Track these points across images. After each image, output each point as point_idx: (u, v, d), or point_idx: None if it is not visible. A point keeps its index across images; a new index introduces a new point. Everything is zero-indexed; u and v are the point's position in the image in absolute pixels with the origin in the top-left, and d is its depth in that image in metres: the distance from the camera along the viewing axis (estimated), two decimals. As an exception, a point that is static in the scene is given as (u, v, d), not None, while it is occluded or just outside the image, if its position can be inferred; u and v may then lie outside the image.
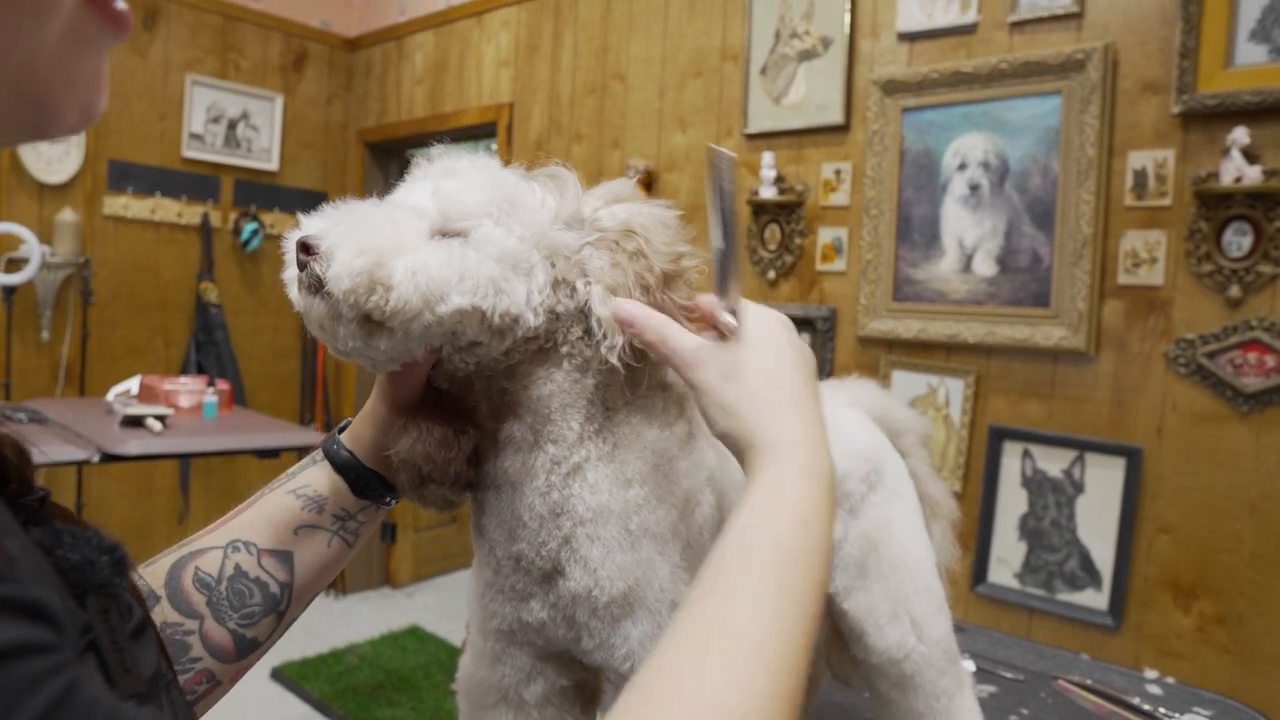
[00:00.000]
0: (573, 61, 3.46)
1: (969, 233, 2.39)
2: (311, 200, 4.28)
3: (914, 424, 1.00)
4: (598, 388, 0.67)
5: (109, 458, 2.41)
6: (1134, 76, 2.12)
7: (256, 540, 0.66)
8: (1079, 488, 2.23)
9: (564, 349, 0.66)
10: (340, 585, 4.41)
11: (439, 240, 0.62)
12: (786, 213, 2.77)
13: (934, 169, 2.44)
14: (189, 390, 3.09)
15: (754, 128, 2.84)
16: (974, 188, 2.38)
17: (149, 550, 0.66)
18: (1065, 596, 2.25)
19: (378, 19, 4.43)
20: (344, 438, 0.70)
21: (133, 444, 2.47)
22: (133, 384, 3.20)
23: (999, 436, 2.36)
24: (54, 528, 0.37)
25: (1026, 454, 2.32)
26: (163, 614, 0.61)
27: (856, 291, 2.61)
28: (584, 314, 0.65)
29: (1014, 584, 2.34)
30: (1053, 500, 2.28)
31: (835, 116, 2.64)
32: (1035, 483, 2.30)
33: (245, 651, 0.65)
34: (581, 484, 0.66)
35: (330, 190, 4.52)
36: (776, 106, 2.79)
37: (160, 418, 2.75)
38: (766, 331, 0.61)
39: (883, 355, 2.57)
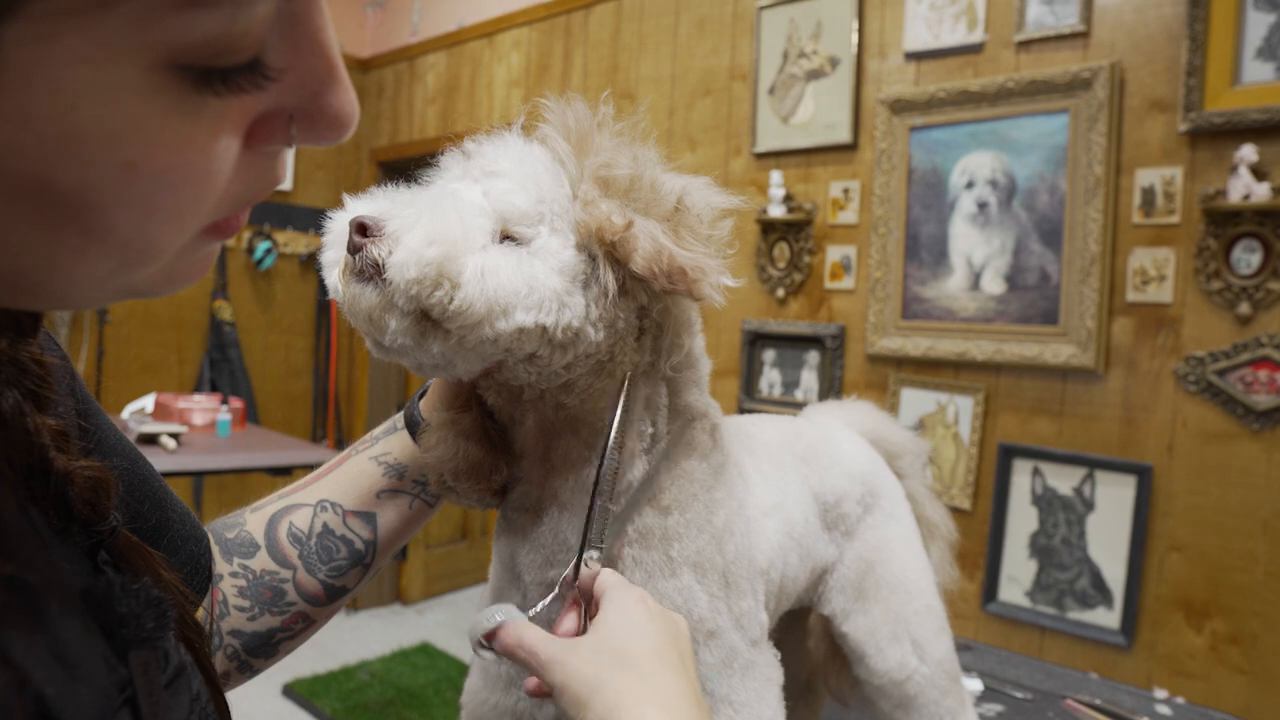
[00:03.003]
0: (583, 81, 3.49)
1: (977, 250, 2.40)
2: (321, 219, 4.31)
3: (911, 445, 1.00)
4: (648, 408, 0.66)
5: (123, 475, 2.43)
6: (1141, 94, 2.13)
7: (342, 501, 0.71)
8: (1089, 505, 2.23)
9: (620, 359, 0.64)
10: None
11: (506, 245, 0.59)
12: (795, 231, 2.78)
13: (942, 187, 2.45)
14: (203, 408, 3.11)
15: (762, 146, 2.86)
16: (982, 206, 2.38)
17: None
18: (1076, 615, 2.24)
19: (390, 40, 4.49)
20: (422, 406, 0.72)
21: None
22: (147, 402, 3.23)
23: (1008, 454, 2.35)
24: (107, 580, 0.38)
25: (1036, 472, 2.31)
26: (261, 562, 0.68)
27: (865, 309, 2.62)
28: (643, 312, 0.63)
29: (1025, 602, 2.33)
30: (1063, 518, 2.27)
31: (843, 135, 2.66)
32: (1045, 500, 2.30)
33: (335, 597, 0.71)
34: (630, 505, 0.66)
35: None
36: (785, 125, 2.81)
37: (175, 435, 2.77)
38: (626, 611, 0.55)
39: (891, 373, 2.57)
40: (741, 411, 2.86)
